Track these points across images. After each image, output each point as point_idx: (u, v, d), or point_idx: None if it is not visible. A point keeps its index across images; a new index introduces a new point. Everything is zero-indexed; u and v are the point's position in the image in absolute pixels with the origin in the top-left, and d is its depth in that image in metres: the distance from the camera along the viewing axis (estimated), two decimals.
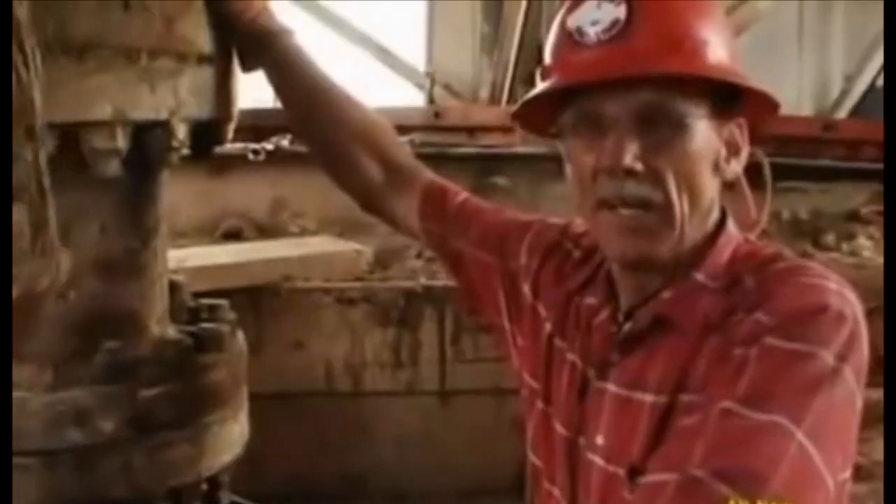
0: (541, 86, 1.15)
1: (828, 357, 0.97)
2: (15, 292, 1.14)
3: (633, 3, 1.07)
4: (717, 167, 1.12)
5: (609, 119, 1.08)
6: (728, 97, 1.11)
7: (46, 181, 1.16)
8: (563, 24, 1.13)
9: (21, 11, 1.11)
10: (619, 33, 1.07)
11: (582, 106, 1.11)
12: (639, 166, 1.06)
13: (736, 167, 1.15)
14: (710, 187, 1.11)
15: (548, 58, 1.16)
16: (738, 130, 1.14)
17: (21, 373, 1.31)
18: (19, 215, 1.15)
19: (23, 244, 1.16)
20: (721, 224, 1.15)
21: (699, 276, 1.12)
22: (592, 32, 1.08)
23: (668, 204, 1.08)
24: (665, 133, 1.07)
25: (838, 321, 0.99)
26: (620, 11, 1.07)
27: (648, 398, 1.09)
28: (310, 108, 1.49)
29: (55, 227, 1.20)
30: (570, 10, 1.12)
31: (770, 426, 0.93)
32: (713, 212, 1.15)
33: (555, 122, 1.17)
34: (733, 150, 1.14)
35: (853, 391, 0.99)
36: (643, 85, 1.06)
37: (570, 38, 1.11)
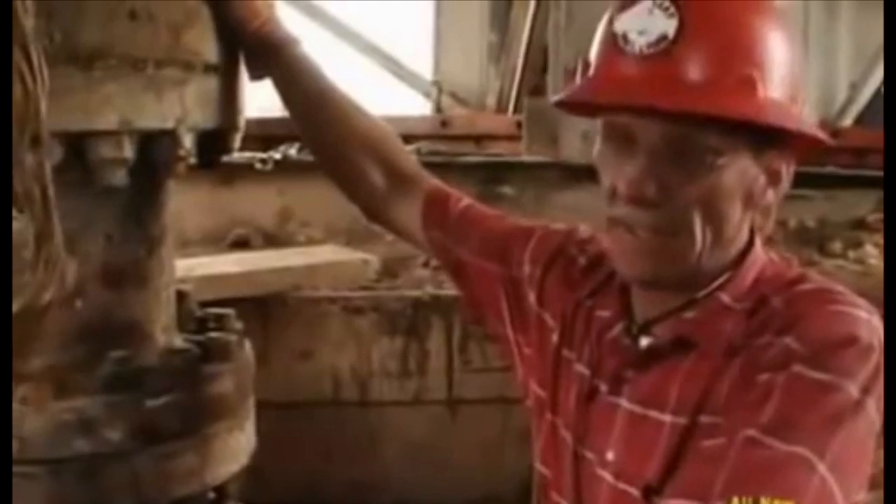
0: (578, 82, 1.10)
1: (854, 389, 0.96)
2: (18, 305, 1.13)
3: (686, 18, 0.99)
4: (750, 197, 1.07)
5: (637, 141, 1.03)
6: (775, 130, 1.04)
7: (51, 191, 1.15)
8: (610, 23, 1.05)
9: (27, 20, 1.11)
10: (665, 51, 0.99)
11: (616, 118, 1.06)
12: (660, 198, 1.02)
13: (773, 197, 1.10)
14: (738, 217, 1.07)
15: (592, 55, 1.09)
16: (782, 162, 1.08)
17: (23, 386, 1.30)
18: (23, 226, 1.14)
19: (27, 255, 1.16)
20: (749, 245, 1.13)
21: (724, 298, 1.09)
22: (637, 44, 1.01)
23: (688, 234, 1.04)
24: (694, 167, 1.01)
25: (867, 353, 0.98)
26: (670, 26, 0.99)
27: (667, 418, 1.07)
28: (315, 117, 1.48)
29: (61, 238, 1.20)
30: (619, 10, 1.04)
31: (794, 458, 0.93)
32: (741, 236, 1.12)
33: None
34: (773, 181, 1.09)
35: (874, 421, 0.98)
36: (678, 116, 0.99)
37: (614, 43, 1.04)
